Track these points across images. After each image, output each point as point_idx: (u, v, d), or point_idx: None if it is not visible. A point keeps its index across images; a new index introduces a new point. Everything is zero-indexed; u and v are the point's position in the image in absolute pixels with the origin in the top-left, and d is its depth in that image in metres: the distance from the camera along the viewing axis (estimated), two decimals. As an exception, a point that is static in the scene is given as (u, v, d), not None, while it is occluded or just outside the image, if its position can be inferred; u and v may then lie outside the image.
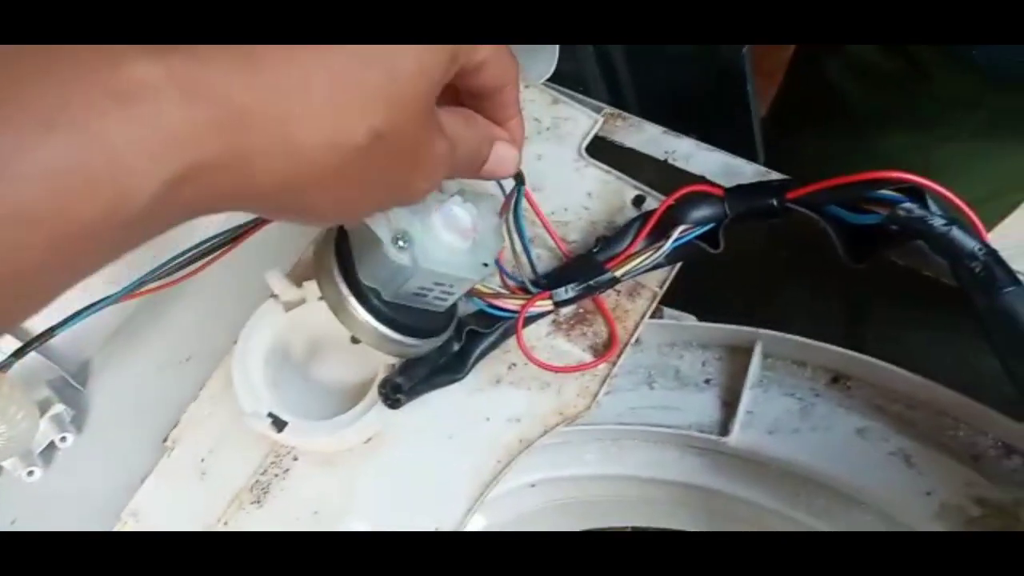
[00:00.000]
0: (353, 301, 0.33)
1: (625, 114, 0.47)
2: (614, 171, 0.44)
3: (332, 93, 0.22)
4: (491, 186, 0.38)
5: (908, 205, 0.33)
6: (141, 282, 0.35)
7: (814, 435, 0.37)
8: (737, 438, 0.38)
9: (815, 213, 0.37)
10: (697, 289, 0.42)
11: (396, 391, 0.36)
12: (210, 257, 0.36)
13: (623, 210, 0.43)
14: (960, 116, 0.56)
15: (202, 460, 0.39)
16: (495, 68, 0.29)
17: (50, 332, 0.36)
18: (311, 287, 0.38)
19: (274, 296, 0.38)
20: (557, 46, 0.48)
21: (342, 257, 0.33)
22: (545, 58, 0.48)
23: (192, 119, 0.20)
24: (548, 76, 0.48)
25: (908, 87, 0.59)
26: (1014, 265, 0.33)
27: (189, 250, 0.35)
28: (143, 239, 0.21)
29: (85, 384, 0.45)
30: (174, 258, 0.35)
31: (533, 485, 0.43)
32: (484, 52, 0.28)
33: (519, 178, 0.36)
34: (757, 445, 0.38)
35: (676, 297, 0.42)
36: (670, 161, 0.44)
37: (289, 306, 0.39)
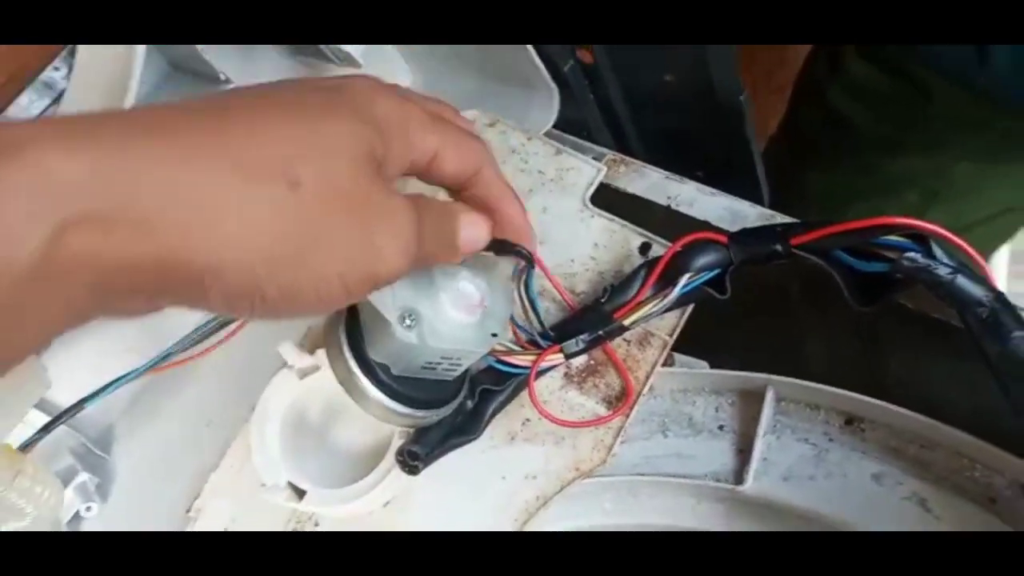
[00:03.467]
0: (363, 379, 0.33)
1: (628, 159, 0.47)
2: (619, 219, 0.44)
3: (242, 144, 0.22)
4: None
5: (912, 254, 0.33)
6: (168, 354, 0.36)
7: (829, 482, 0.37)
8: (752, 486, 0.38)
9: (821, 258, 0.37)
10: (708, 333, 0.42)
11: (414, 459, 0.36)
12: (231, 328, 0.36)
13: (630, 258, 0.43)
14: (967, 137, 0.56)
15: (225, 528, 0.40)
16: (453, 155, 0.28)
17: (79, 405, 0.37)
18: (323, 354, 0.39)
19: (287, 366, 0.39)
20: (557, 92, 0.49)
21: (351, 335, 0.34)
22: (545, 105, 0.49)
23: (76, 169, 0.19)
24: (551, 124, 0.49)
25: (911, 109, 0.59)
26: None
27: (211, 321, 0.36)
28: (56, 304, 0.20)
29: (109, 451, 0.46)
30: (198, 329, 0.36)
31: (552, 536, 0.43)
32: (431, 141, 0.27)
33: (528, 259, 0.36)
34: (773, 493, 0.38)
35: (686, 342, 0.42)
36: (674, 207, 0.45)
37: (303, 373, 0.39)
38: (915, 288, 0.36)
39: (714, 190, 0.44)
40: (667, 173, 0.46)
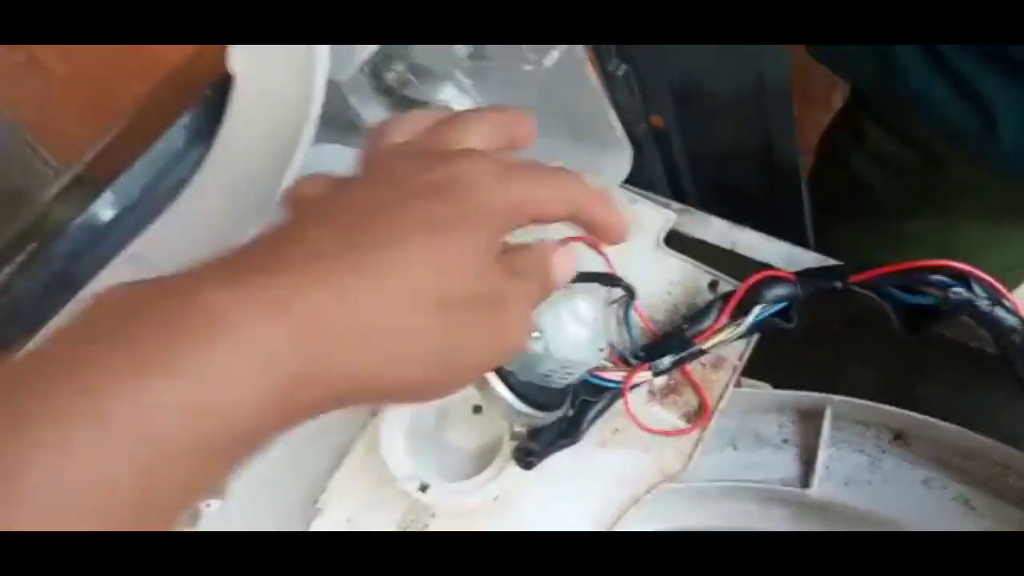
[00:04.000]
0: (498, 383, 0.39)
1: (692, 209, 0.54)
2: (690, 259, 0.50)
3: (390, 289, 0.24)
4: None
5: (958, 289, 0.40)
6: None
7: (884, 486, 0.43)
8: (818, 490, 0.43)
9: (875, 293, 0.43)
10: (770, 360, 0.48)
11: (529, 455, 0.42)
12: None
13: (701, 293, 0.49)
14: (976, 203, 0.64)
15: (348, 520, 0.45)
16: (551, 197, 0.29)
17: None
18: (440, 366, 0.45)
19: (412, 374, 0.44)
20: (631, 150, 0.56)
21: None
22: (622, 162, 0.56)
23: (281, 337, 0.22)
24: (624, 178, 0.56)
25: (924, 176, 0.67)
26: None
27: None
28: (263, 444, 0.23)
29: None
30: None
31: (632, 538, 0.48)
32: (529, 193, 0.28)
33: (630, 290, 0.42)
34: (836, 496, 0.43)
35: (752, 368, 0.48)
36: (736, 251, 0.51)
37: (424, 382, 0.45)
38: (952, 321, 0.43)
39: (771, 237, 0.51)
40: (729, 222, 0.53)
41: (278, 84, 0.43)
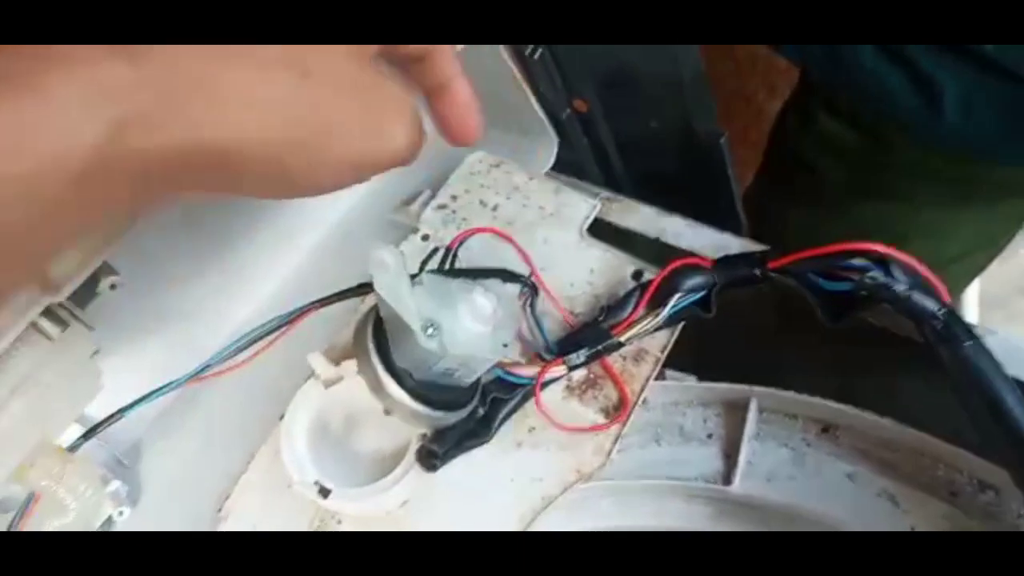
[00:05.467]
0: (391, 383, 0.37)
1: (620, 197, 0.52)
2: (613, 249, 0.48)
3: (260, 48, 0.24)
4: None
5: (874, 273, 0.38)
6: (207, 366, 0.39)
7: (809, 481, 0.41)
8: (739, 486, 0.42)
9: (794, 280, 0.41)
10: (695, 351, 0.46)
11: (432, 457, 0.40)
12: (267, 340, 0.40)
13: (624, 283, 0.47)
14: (927, 185, 0.62)
15: (254, 526, 0.43)
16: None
17: (120, 413, 0.40)
18: (347, 366, 0.43)
19: (315, 376, 0.43)
20: (556, 139, 0.54)
21: (379, 343, 0.38)
22: (546, 150, 0.54)
23: (122, 72, 0.22)
24: (549, 166, 0.54)
25: (874, 160, 0.64)
26: (1004, 309, 0.38)
27: (248, 334, 0.40)
28: (103, 200, 0.22)
29: (137, 461, 0.49)
30: (235, 342, 0.40)
31: (555, 539, 0.46)
32: None
33: (533, 286, 0.41)
34: (758, 492, 0.41)
35: (676, 360, 0.46)
36: (663, 239, 0.49)
37: (328, 383, 0.43)
38: (877, 308, 0.41)
39: (699, 224, 0.49)
40: (656, 209, 0.51)
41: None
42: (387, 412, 0.44)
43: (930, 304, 0.38)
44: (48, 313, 0.36)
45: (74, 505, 0.40)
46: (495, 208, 0.51)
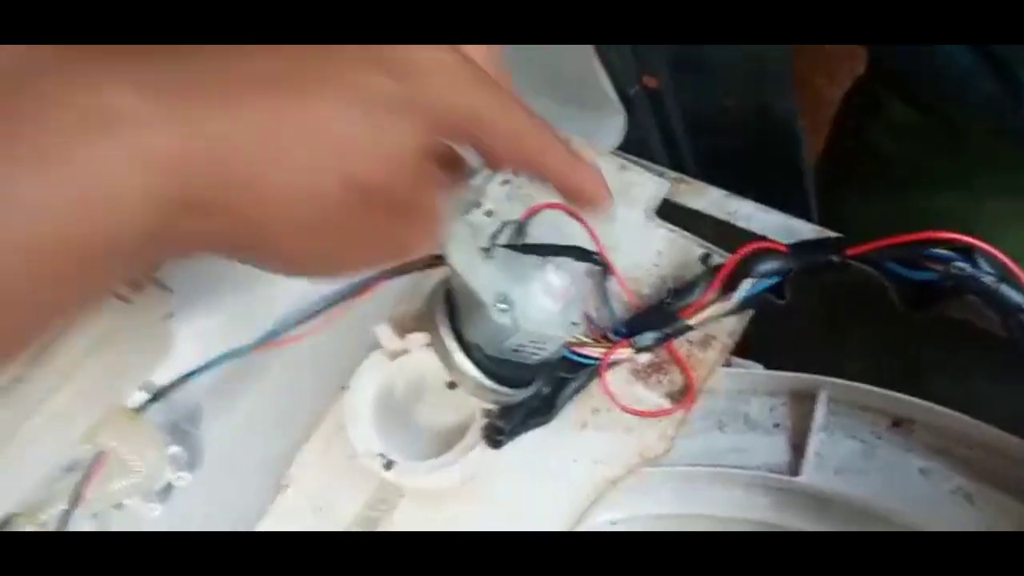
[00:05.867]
0: (461, 356, 0.37)
1: (688, 178, 0.51)
2: (681, 231, 0.48)
3: (306, 138, 0.22)
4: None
5: (961, 264, 0.37)
6: (273, 334, 0.39)
7: (879, 475, 0.40)
8: (807, 478, 0.41)
9: (873, 268, 0.40)
10: (763, 339, 0.45)
11: (498, 433, 0.40)
12: (333, 310, 0.40)
13: (691, 266, 0.47)
14: (1000, 176, 0.60)
15: (315, 498, 0.43)
16: (511, 132, 0.26)
17: (187, 378, 0.40)
18: (412, 339, 0.42)
19: (380, 347, 0.42)
20: (624, 116, 0.53)
21: (450, 316, 0.37)
22: (613, 127, 0.53)
23: (177, 146, 0.20)
24: (618, 143, 0.53)
25: (945, 148, 0.63)
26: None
27: (315, 304, 0.40)
28: (139, 267, 0.23)
29: (198, 426, 0.49)
30: (302, 312, 0.40)
31: (614, 523, 0.46)
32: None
33: (603, 264, 0.40)
34: (826, 484, 0.41)
35: (743, 347, 0.45)
36: (732, 222, 0.48)
37: (393, 355, 0.43)
38: (957, 300, 0.40)
39: (769, 208, 0.48)
40: (725, 191, 0.50)
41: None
42: (451, 386, 0.44)
43: (1018, 297, 0.36)
44: (124, 275, 0.36)
45: (139, 467, 0.41)
46: (560, 185, 0.50)
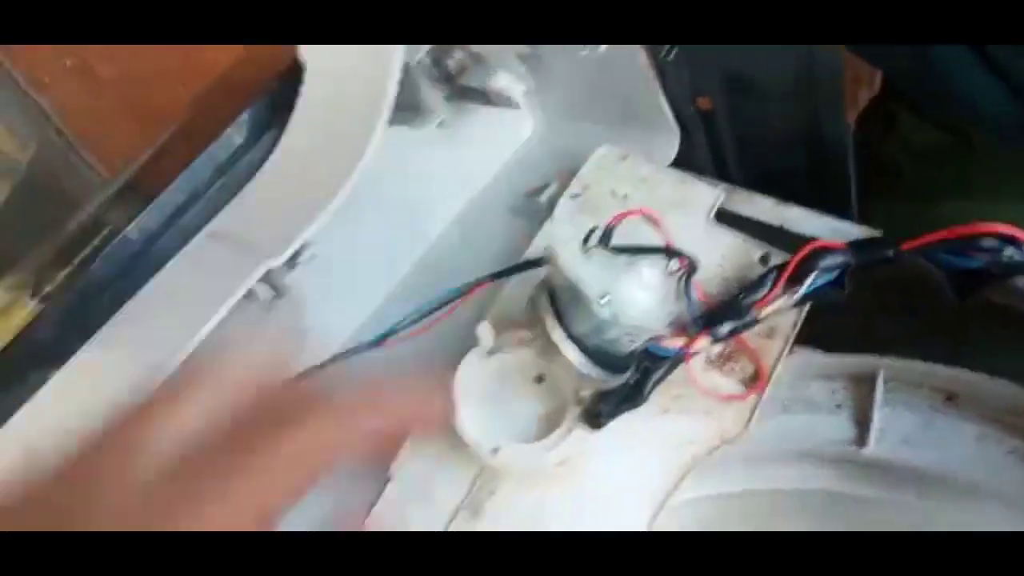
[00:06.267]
0: (571, 348, 0.41)
1: (738, 188, 0.56)
2: (740, 234, 0.52)
3: None
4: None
5: (1010, 251, 0.42)
6: (391, 332, 0.43)
7: (940, 442, 0.45)
8: (874, 448, 0.45)
9: (926, 259, 0.45)
10: (819, 329, 0.50)
11: (598, 416, 0.43)
12: (441, 312, 0.44)
13: (751, 267, 0.51)
14: (1010, 186, 0.65)
15: (420, 486, 0.46)
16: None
17: (308, 372, 0.44)
18: (505, 336, 0.47)
19: (480, 344, 0.46)
20: (678, 132, 0.58)
21: (556, 312, 0.42)
22: (667, 144, 0.58)
23: None
24: (670, 160, 0.58)
25: (959, 158, 0.68)
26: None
27: (427, 305, 0.44)
28: None
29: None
30: (416, 311, 0.44)
31: (691, 502, 0.50)
32: None
33: (692, 263, 0.45)
34: (892, 453, 0.45)
35: (801, 336, 0.49)
36: (785, 227, 0.53)
37: (492, 352, 0.47)
38: (1002, 286, 0.45)
39: (819, 212, 0.53)
40: (774, 199, 0.54)
41: (351, 67, 0.45)
42: (539, 380, 0.48)
43: (1061, 280, 0.41)
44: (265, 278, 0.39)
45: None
46: (624, 197, 0.55)
